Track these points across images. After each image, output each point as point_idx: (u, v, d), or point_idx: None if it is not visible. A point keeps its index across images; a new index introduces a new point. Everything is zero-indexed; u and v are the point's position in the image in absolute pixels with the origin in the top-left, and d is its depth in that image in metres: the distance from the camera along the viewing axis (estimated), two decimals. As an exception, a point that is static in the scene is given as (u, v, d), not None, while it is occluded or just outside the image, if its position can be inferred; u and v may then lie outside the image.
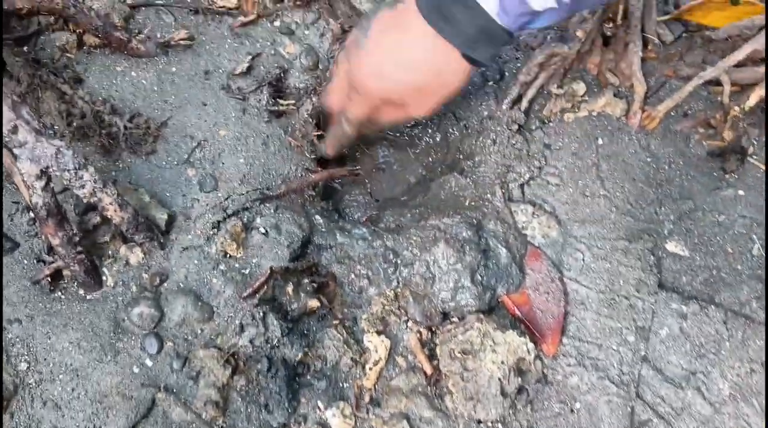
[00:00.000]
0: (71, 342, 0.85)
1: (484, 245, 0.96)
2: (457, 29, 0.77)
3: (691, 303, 0.98)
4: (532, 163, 1.08)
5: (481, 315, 0.91)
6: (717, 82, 1.16)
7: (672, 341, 0.96)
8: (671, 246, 1.04)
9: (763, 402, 0.90)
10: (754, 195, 1.07)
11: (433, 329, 0.95)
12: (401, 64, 0.83)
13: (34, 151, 0.79)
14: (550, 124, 1.13)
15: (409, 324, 0.95)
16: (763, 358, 0.93)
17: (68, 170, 0.81)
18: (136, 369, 0.85)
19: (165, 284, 0.92)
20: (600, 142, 1.12)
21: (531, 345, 0.89)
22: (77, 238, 0.86)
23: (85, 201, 0.85)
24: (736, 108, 1.10)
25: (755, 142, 1.12)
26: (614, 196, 1.07)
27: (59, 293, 0.89)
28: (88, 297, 0.89)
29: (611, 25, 1.17)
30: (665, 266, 1.02)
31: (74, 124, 0.98)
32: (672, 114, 1.16)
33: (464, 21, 0.75)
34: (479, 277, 0.93)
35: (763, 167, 1.09)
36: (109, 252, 0.93)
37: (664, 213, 1.06)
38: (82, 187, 0.83)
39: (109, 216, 0.87)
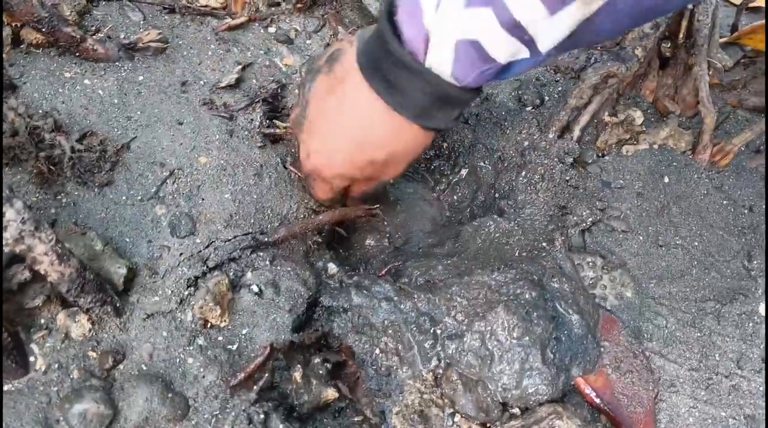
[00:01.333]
0: (-25, 459, 0.57)
1: (552, 310, 0.74)
2: (406, 100, 0.64)
3: (804, 383, 0.77)
4: (593, 204, 0.88)
5: (559, 408, 0.68)
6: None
7: (788, 434, 0.74)
8: (763, 309, 0.84)
9: None
10: None
11: (489, 426, 0.71)
12: (347, 140, 0.71)
13: (-69, 177, 0.53)
14: (607, 158, 0.94)
15: (457, 418, 0.70)
16: None
17: (-17, 205, 0.55)
18: (72, 500, 0.57)
19: (120, 366, 0.65)
20: (666, 180, 0.93)
21: (630, 450, 0.66)
22: (-7, 303, 0.60)
23: (7, 249, 0.59)
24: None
25: (844, 183, 0.95)
26: (692, 245, 0.87)
27: (-37, 383, 0.61)
28: (5, 387, 0.62)
29: (669, 44, 0.99)
30: (762, 335, 0.82)
31: (2, 143, 0.72)
32: (742, 149, 0.98)
33: (412, 89, 0.63)
34: (551, 355, 0.70)
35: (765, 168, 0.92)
36: (42, 321, 0.66)
37: (756, 267, 0.86)
38: (4, 229, 0.57)
39: (43, 272, 0.61)
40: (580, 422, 0.67)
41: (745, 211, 0.92)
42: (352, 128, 0.70)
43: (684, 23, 0.96)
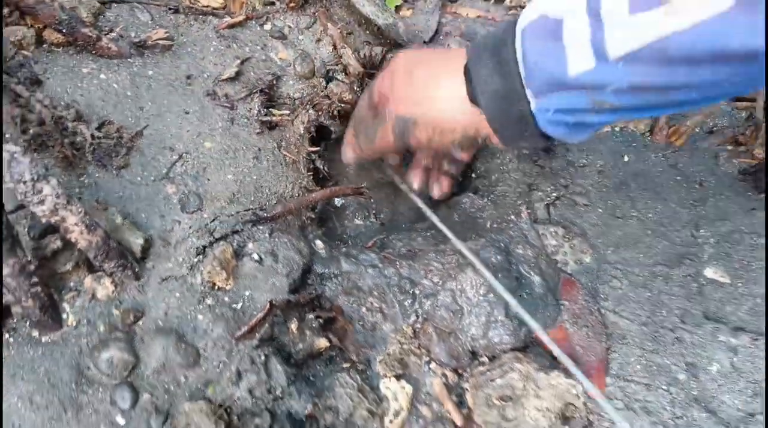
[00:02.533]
0: (21, 396, 0.67)
1: (516, 272, 0.84)
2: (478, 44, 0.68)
3: (741, 335, 0.88)
4: (558, 181, 0.98)
5: (520, 355, 0.78)
6: (741, 97, 1.09)
7: (724, 378, 0.85)
8: (710, 273, 0.94)
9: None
10: (793, 216, 0.99)
11: (461, 372, 0.81)
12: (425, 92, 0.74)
13: (-20, 158, 0.63)
14: (572, 140, 1.03)
15: (433, 365, 0.81)
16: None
17: (24, 181, 0.66)
18: (104, 430, 0.68)
19: (140, 322, 0.76)
20: (626, 159, 1.03)
21: (580, 389, 0.76)
22: (32, 267, 0.70)
23: (43, 220, 0.69)
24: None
25: (788, 160, 1.05)
26: (646, 217, 0.97)
27: (7, 335, 0.72)
28: (44, 339, 0.72)
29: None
30: (706, 294, 0.92)
31: (30, 131, 0.82)
32: (697, 130, 1.08)
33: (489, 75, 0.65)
34: (514, 310, 0.80)
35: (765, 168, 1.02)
36: (72, 284, 0.76)
37: (702, 235, 0.96)
38: (41, 202, 0.67)
39: (74, 240, 0.71)
40: (537, 366, 0.77)
41: (696, 186, 1.02)
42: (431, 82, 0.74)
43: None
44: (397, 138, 0.79)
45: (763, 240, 0.97)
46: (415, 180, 0.94)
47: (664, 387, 0.83)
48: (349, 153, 0.92)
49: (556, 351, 0.75)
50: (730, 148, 1.06)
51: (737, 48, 0.47)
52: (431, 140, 0.76)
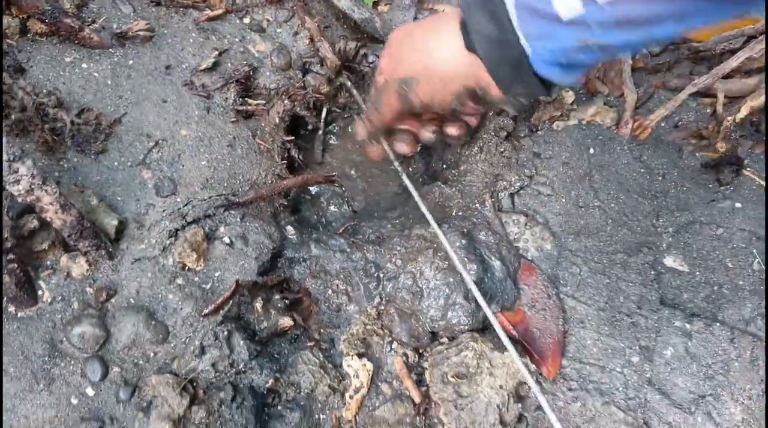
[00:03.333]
0: (-5, 367, 0.71)
1: (479, 256, 0.87)
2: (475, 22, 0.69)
3: (695, 321, 0.91)
4: (522, 172, 1.01)
5: (476, 335, 0.82)
6: (706, 94, 1.13)
7: (678, 362, 0.88)
8: (669, 261, 0.97)
9: (780, 428, 0.83)
10: (752, 207, 1.02)
11: (421, 351, 0.85)
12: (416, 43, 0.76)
13: (-42, 139, 0.67)
14: (539, 133, 1.07)
15: (394, 345, 0.84)
16: (775, 380, 0.86)
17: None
18: (74, 400, 0.71)
19: (112, 300, 0.79)
20: (591, 151, 1.06)
21: (533, 367, 0.80)
22: (9, 245, 0.73)
23: (20, 200, 0.72)
24: (729, 119, 1.05)
25: (749, 155, 1.08)
26: (609, 207, 1.00)
27: (-16, 310, 0.75)
28: (19, 314, 0.76)
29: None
30: (665, 281, 0.95)
31: (12, 116, 0.85)
32: (663, 125, 1.11)
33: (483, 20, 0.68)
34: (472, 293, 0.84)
35: (759, 180, 1.05)
36: (48, 262, 0.80)
37: (662, 225, 0.99)
38: (17, 182, 0.71)
39: (49, 219, 0.75)
40: (492, 345, 0.81)
41: (659, 178, 1.05)
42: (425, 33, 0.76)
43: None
44: (401, 100, 0.81)
45: (722, 231, 1.00)
46: (401, 144, 0.93)
47: (618, 369, 0.87)
48: (359, 128, 0.93)
49: (502, 336, 0.77)
50: (693, 142, 1.09)
51: None
52: (433, 97, 0.78)
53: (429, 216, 0.86)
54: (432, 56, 0.75)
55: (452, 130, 0.83)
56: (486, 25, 0.68)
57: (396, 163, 0.96)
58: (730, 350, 0.89)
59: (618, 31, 0.60)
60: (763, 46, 1.05)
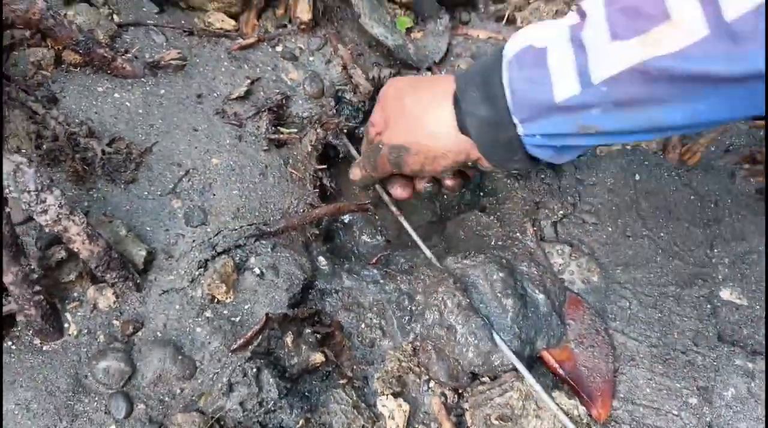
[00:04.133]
0: (18, 403, 0.69)
1: (521, 289, 0.82)
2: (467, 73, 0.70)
3: (758, 359, 0.84)
4: (565, 199, 0.96)
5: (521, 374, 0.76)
6: (757, 116, 1.06)
7: (740, 404, 0.81)
8: (726, 294, 0.90)
9: None
10: (814, 236, 0.95)
11: (461, 391, 0.79)
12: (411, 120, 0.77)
13: (-13, 168, 0.66)
14: (581, 158, 1.02)
15: (431, 384, 0.79)
16: None
17: (28, 191, 0.68)
18: (97, 439, 0.68)
19: (139, 333, 0.76)
20: (637, 177, 1.01)
21: (582, 409, 0.74)
22: (36, 276, 0.72)
23: (47, 230, 0.71)
24: (785, 142, 0.99)
25: (808, 180, 1.01)
26: (658, 236, 0.95)
27: (10, 343, 0.73)
28: (44, 348, 0.74)
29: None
30: (722, 316, 0.89)
31: (44, 146, 0.85)
32: (712, 149, 1.05)
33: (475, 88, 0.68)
34: (516, 329, 0.79)
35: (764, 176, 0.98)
36: (74, 294, 0.78)
37: (717, 255, 0.93)
38: (45, 212, 0.69)
39: (76, 250, 0.73)
40: (538, 382, 0.75)
41: (711, 205, 0.99)
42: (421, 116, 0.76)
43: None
44: (392, 163, 0.81)
45: (782, 262, 0.93)
46: (396, 188, 0.91)
47: (675, 411, 0.80)
48: (356, 171, 0.93)
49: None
50: (747, 166, 1.03)
51: (721, 72, 0.49)
52: (424, 167, 0.79)
53: (421, 245, 0.84)
54: (424, 131, 0.75)
55: (449, 183, 0.83)
56: (480, 106, 0.68)
57: (392, 207, 0.95)
58: (799, 391, 0.81)
59: (618, 113, 0.58)
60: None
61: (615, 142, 0.67)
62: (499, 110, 0.65)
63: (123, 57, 0.96)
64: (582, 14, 0.59)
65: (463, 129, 0.71)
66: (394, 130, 0.79)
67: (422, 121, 0.75)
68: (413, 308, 0.82)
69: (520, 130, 0.65)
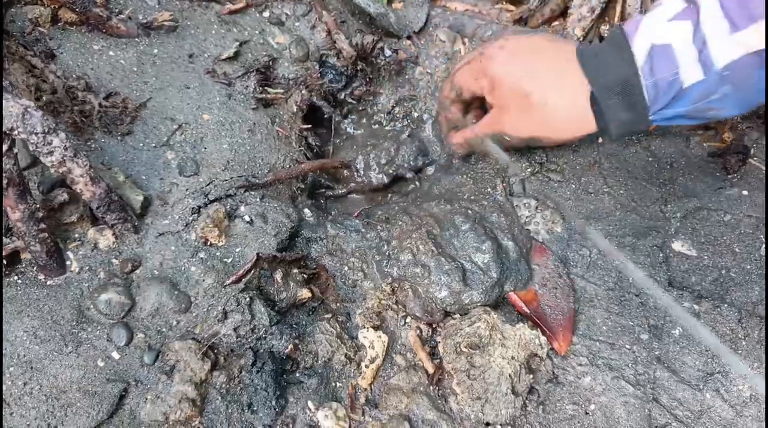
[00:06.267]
0: (26, 330, 0.74)
1: (491, 234, 0.90)
2: (601, 68, 0.78)
3: (703, 302, 0.93)
4: (533, 159, 1.03)
5: (488, 308, 0.84)
6: None
7: (686, 340, 0.90)
8: (678, 246, 0.99)
9: (788, 403, 0.84)
10: (759, 195, 1.04)
11: (434, 326, 0.87)
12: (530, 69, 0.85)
13: (-2, 110, 0.71)
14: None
15: (408, 320, 0.86)
16: (783, 358, 0.88)
17: (36, 133, 0.72)
18: (100, 363, 0.74)
19: (137, 271, 0.82)
20: (600, 140, 1.08)
21: (543, 339, 0.82)
22: (40, 214, 0.77)
23: (52, 171, 0.76)
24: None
25: (755, 145, 1.10)
26: (618, 193, 1.03)
27: (15, 277, 0.78)
28: (48, 282, 0.79)
29: (607, 27, 1.16)
30: (673, 265, 0.97)
31: (43, 98, 0.89)
32: (670, 116, 1.13)
33: (611, 60, 0.77)
34: (494, 268, 0.86)
35: (765, 168, 1.07)
36: (76, 234, 0.83)
37: (670, 210, 1.02)
38: (50, 153, 0.74)
39: (79, 191, 0.78)
40: (504, 318, 0.83)
41: (667, 167, 1.07)
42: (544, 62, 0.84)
43: (618, 7, 1.13)
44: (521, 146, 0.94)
45: (729, 217, 1.02)
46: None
47: (627, 346, 0.88)
48: (456, 139, 1.02)
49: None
50: (701, 132, 1.11)
51: None
52: (546, 144, 0.91)
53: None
54: (556, 120, 0.84)
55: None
56: (622, 113, 0.79)
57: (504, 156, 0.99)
58: (738, 330, 0.90)
59: (734, 97, 0.71)
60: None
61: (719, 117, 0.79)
62: (639, 113, 0.77)
63: (118, 17, 1.00)
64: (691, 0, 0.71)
65: (602, 128, 0.82)
66: (522, 122, 0.86)
67: (555, 115, 0.83)
68: (390, 252, 0.89)
69: (653, 117, 0.77)
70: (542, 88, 0.82)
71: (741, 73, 0.68)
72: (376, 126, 1.20)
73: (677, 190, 1.04)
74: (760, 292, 0.95)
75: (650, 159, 1.08)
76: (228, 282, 0.80)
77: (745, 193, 1.05)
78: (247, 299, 0.78)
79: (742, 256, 0.99)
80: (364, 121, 1.19)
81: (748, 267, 0.97)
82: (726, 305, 0.93)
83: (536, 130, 0.86)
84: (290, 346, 0.78)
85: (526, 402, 0.80)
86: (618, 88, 0.77)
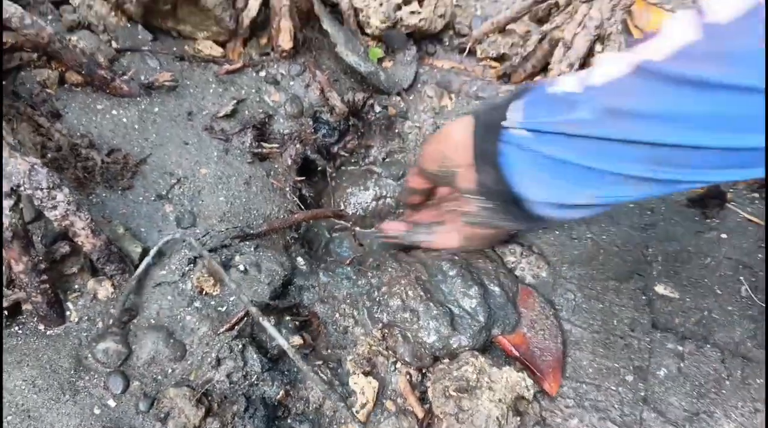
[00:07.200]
0: (25, 380, 0.76)
1: (477, 280, 0.93)
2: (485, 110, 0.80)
3: (687, 343, 0.95)
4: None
5: (476, 352, 0.86)
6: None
7: (671, 381, 0.91)
8: (660, 289, 1.02)
9: (773, 443, 0.85)
10: (737, 238, 1.08)
11: (424, 371, 0.89)
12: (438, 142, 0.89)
13: (6, 167, 0.75)
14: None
15: (398, 365, 0.88)
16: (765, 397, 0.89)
17: (41, 189, 0.77)
18: (97, 411, 0.76)
19: (135, 320, 0.85)
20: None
21: (530, 381, 0.84)
22: (42, 266, 0.80)
23: (56, 224, 0.80)
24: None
25: (732, 190, 1.15)
26: (600, 238, 1.06)
27: (16, 328, 0.81)
28: (48, 332, 0.82)
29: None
30: (657, 307, 1.00)
31: (49, 155, 0.94)
32: (649, 164, 1.18)
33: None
34: (482, 313, 0.89)
35: (743, 212, 1.11)
36: (76, 285, 0.86)
37: (652, 254, 1.05)
38: (54, 208, 0.78)
39: (80, 243, 0.82)
40: (492, 362, 0.85)
41: (648, 213, 1.11)
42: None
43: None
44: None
45: (709, 260, 1.05)
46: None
47: (613, 387, 0.90)
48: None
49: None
50: (679, 179, 1.16)
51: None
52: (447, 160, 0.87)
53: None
54: (451, 141, 0.85)
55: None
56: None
57: None
58: (722, 370, 0.92)
59: (609, 122, 0.62)
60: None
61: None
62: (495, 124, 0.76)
63: (121, 78, 1.06)
64: None
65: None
66: (431, 147, 0.92)
67: (451, 138, 0.85)
68: (381, 298, 0.92)
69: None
70: (447, 126, 0.87)
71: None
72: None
73: (659, 234, 1.08)
74: (743, 332, 0.97)
75: (632, 205, 1.12)
76: (221, 330, 0.83)
77: (724, 236, 1.08)
78: (240, 346, 0.80)
79: (724, 298, 1.01)
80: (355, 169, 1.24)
81: (730, 308, 1.00)
82: (709, 345, 0.95)
83: (441, 149, 0.87)
84: (282, 392, 0.80)
85: (515, 445, 0.81)
86: (487, 118, 0.78)
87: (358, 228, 1.17)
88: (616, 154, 0.63)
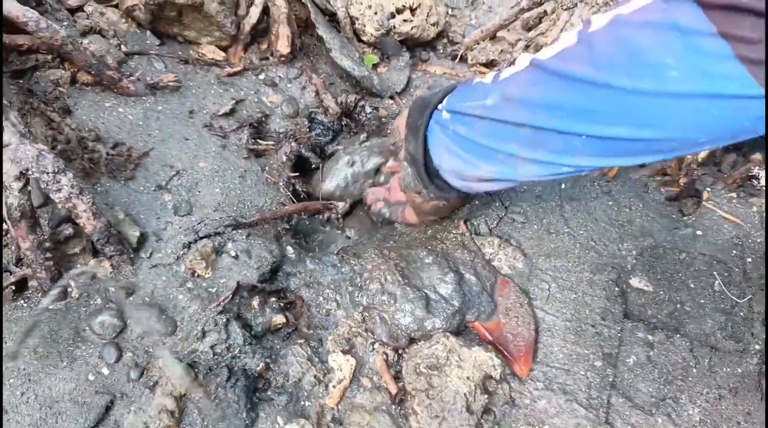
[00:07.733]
0: (27, 347, 0.83)
1: (453, 267, 0.98)
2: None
3: (657, 333, 0.99)
4: (500, 202, 1.13)
5: (447, 333, 0.91)
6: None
7: (640, 368, 0.95)
8: (635, 282, 1.06)
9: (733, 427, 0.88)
10: (712, 235, 1.11)
11: (400, 351, 0.94)
12: None
13: (17, 153, 0.82)
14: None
15: (376, 346, 0.94)
16: (731, 385, 0.93)
17: (47, 173, 0.84)
18: (91, 377, 0.82)
19: (131, 298, 0.91)
20: (563, 186, 1.17)
21: (497, 361, 0.88)
22: (47, 245, 0.87)
23: (60, 206, 0.87)
24: (690, 157, 1.17)
25: (709, 189, 1.18)
26: (578, 233, 1.11)
27: (23, 302, 0.88)
28: (50, 307, 0.88)
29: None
30: (630, 299, 1.04)
31: (58, 147, 1.02)
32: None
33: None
34: (456, 298, 0.94)
35: (719, 211, 1.15)
36: (78, 265, 0.93)
37: (627, 249, 1.09)
38: (59, 190, 0.85)
39: (82, 224, 0.89)
40: (462, 342, 0.90)
41: (626, 210, 1.15)
42: None
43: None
44: None
45: (684, 255, 1.09)
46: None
47: (582, 372, 0.94)
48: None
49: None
50: (658, 178, 1.20)
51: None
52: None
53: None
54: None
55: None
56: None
57: None
58: (690, 359, 0.96)
59: (504, 107, 0.73)
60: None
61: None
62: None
63: (128, 79, 1.14)
64: None
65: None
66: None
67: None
68: (362, 284, 0.97)
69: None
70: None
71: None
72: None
73: (635, 230, 1.12)
74: (713, 324, 1.00)
75: (610, 203, 1.16)
76: (210, 308, 0.89)
77: (699, 233, 1.12)
78: (224, 320, 0.86)
79: (697, 291, 1.05)
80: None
81: (702, 301, 1.04)
82: (679, 335, 0.98)
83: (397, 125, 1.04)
84: (261, 364, 0.85)
85: (483, 421, 0.86)
86: (424, 101, 0.91)
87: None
88: (506, 134, 0.74)
